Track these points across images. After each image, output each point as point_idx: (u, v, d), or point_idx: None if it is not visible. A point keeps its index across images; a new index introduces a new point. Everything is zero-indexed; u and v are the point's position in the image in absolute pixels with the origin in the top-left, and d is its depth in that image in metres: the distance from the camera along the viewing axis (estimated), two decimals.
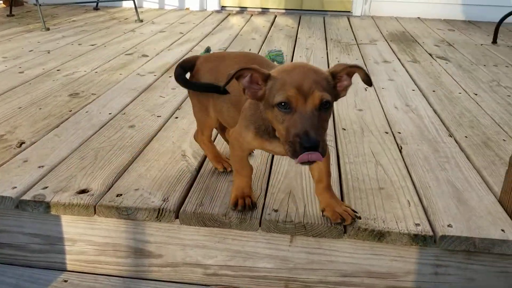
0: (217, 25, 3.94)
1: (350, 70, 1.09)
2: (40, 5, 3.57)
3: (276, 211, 1.27)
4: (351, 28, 3.99)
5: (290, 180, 1.44)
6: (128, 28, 3.75)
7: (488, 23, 4.25)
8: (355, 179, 1.45)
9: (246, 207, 1.26)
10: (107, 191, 1.34)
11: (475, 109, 2.11)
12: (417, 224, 1.23)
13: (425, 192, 1.39)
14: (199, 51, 3.00)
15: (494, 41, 3.55)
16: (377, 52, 3.15)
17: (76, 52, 2.93)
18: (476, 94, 2.32)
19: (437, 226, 1.22)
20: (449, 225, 1.22)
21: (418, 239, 1.19)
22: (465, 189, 1.41)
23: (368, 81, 1.11)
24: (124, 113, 1.93)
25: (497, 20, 3.56)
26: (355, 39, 3.56)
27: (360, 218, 1.24)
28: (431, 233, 1.20)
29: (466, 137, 1.79)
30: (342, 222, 1.21)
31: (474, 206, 1.32)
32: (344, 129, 1.83)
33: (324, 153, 0.99)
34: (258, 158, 1.57)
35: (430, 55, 3.12)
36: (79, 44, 3.14)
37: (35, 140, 1.65)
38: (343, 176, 1.47)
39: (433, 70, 2.74)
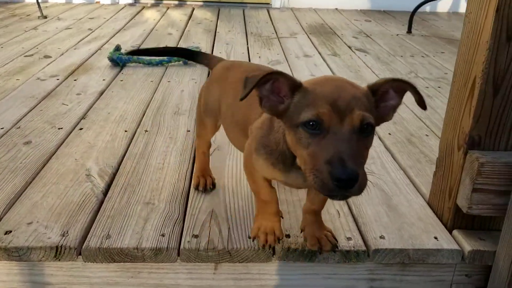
0: (130, 20, 3.68)
1: (397, 85, 0.86)
2: None
3: (196, 237, 1.13)
4: (271, 20, 3.90)
5: (212, 196, 1.30)
6: (30, 25, 3.39)
7: (402, 13, 4.35)
8: (281, 189, 1.34)
9: (271, 243, 1.08)
10: None
11: None
12: (349, 238, 1.15)
13: (354, 199, 1.31)
14: (108, 49, 2.75)
15: (409, 31, 3.62)
16: (298, 46, 3.08)
17: None
18: None
19: (369, 239, 1.14)
20: (381, 237, 1.15)
21: (351, 255, 1.11)
22: (393, 193, 1.35)
23: (421, 102, 0.87)
24: (19, 127, 1.68)
25: (411, 9, 3.64)
26: (276, 32, 3.47)
27: (338, 248, 1.10)
28: (363, 248, 1.11)
29: (389, 134, 1.75)
30: (319, 250, 1.08)
31: (404, 212, 1.26)
32: None
33: (362, 190, 0.77)
34: (176, 173, 1.42)
35: (350, 47, 3.10)
36: None
37: None
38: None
39: (353, 64, 2.71)
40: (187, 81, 2.27)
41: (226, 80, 1.20)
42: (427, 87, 2.33)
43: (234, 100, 1.12)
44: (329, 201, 1.29)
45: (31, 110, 1.84)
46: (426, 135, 1.76)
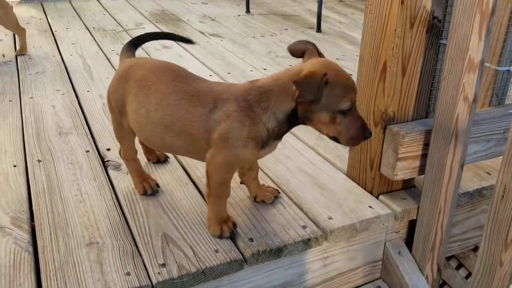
0: None
1: None
2: None
3: (163, 265, 1.08)
4: (107, 11, 3.67)
5: (155, 219, 1.24)
6: None
7: None
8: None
9: (232, 231, 1.17)
10: None
11: None
12: (304, 227, 1.22)
13: (289, 187, 1.39)
14: None
15: (248, 11, 3.78)
16: None
17: None
18: (265, 69, 2.43)
19: (320, 222, 1.24)
20: (329, 217, 1.25)
21: (312, 242, 1.19)
22: (316, 173, 1.47)
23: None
24: None
25: None
26: (120, 24, 3.29)
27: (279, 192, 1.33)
28: (320, 232, 1.20)
29: None
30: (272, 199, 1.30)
31: (334, 189, 1.38)
32: None
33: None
34: (101, 201, 1.30)
35: (202, 33, 3.12)
36: None
37: None
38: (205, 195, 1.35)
39: (215, 50, 2.75)
40: (52, 94, 2.04)
41: (132, 79, 1.19)
42: (291, 65, 2.50)
43: (151, 100, 1.14)
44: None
45: None
46: None
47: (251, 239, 1.17)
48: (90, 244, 1.14)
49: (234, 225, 1.19)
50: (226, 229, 1.16)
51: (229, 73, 2.36)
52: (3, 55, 2.58)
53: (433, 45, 1.23)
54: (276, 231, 1.20)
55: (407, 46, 1.18)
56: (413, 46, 1.19)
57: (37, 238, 1.16)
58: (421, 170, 1.29)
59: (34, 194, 1.33)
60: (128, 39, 2.91)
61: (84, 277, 1.03)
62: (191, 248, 1.13)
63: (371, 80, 1.28)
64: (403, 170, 1.27)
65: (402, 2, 1.13)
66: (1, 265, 1.06)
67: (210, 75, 2.32)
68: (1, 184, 1.37)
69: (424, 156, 1.27)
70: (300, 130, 1.74)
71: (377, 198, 1.36)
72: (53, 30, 3.11)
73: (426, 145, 1.26)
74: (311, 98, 1.00)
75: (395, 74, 1.21)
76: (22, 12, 3.57)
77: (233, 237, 1.17)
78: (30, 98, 2.00)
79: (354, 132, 1.05)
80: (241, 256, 1.12)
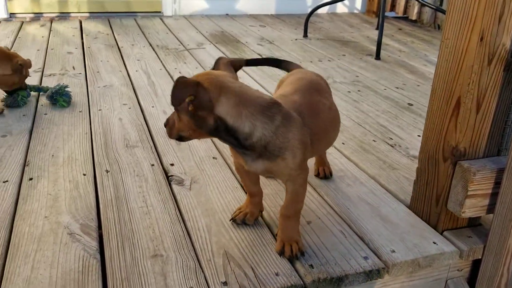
0: (15, 39, 3.30)
1: None
2: None
3: (225, 284, 1.09)
4: (170, 30, 3.81)
5: (217, 236, 1.26)
6: None
7: (289, 16, 4.56)
8: (278, 217, 1.35)
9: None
10: None
11: None
12: (365, 258, 1.21)
13: (350, 216, 1.38)
14: None
15: (305, 35, 3.82)
16: (211, 57, 3.07)
17: None
18: None
19: (383, 255, 1.22)
20: (392, 251, 1.23)
21: (373, 274, 1.17)
22: (378, 204, 1.45)
23: None
24: None
25: (298, 12, 3.84)
26: (182, 44, 3.40)
27: (303, 254, 1.20)
28: (382, 265, 1.18)
29: (343, 143, 1.86)
30: (281, 254, 1.20)
31: (397, 222, 1.36)
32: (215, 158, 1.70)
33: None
34: (165, 215, 1.34)
35: (260, 55, 3.18)
36: None
37: None
38: (265, 217, 1.36)
39: (273, 73, 2.79)
40: (119, 107, 2.13)
41: None
42: (349, 92, 2.50)
43: None
44: (327, 220, 1.34)
45: None
46: (374, 140, 1.90)
47: (312, 266, 1.16)
48: (155, 256, 1.17)
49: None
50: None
51: None
52: (74, 67, 2.72)
53: (509, 82, 1.20)
54: (336, 259, 1.19)
55: (483, 82, 1.17)
56: (489, 83, 1.17)
57: (104, 247, 1.20)
58: (490, 208, 1.25)
59: (103, 203, 1.39)
60: (190, 58, 3.02)
61: None
62: (252, 268, 1.14)
63: (442, 114, 1.26)
64: (472, 208, 1.24)
65: (482, 39, 1.12)
66: (71, 270, 1.11)
67: None
68: (72, 191, 1.43)
69: (494, 195, 1.23)
70: (360, 158, 1.73)
71: (441, 234, 1.32)
72: (119, 46, 3.26)
73: (497, 183, 1.22)
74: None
75: (469, 110, 1.19)
76: (90, 27, 3.77)
77: (291, 261, 1.18)
78: (99, 110, 2.09)
79: None
80: (302, 282, 1.11)
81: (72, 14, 4.14)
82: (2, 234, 1.22)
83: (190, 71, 2.75)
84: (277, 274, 1.13)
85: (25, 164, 1.59)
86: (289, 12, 4.70)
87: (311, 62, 3.06)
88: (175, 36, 3.61)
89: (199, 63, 2.92)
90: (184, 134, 1.11)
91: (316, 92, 1.27)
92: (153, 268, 1.13)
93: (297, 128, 1.09)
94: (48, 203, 1.37)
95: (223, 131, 1.05)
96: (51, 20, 3.95)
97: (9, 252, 1.16)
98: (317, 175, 1.57)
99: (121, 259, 1.15)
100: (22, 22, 3.82)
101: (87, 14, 4.18)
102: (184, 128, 1.09)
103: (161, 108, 2.13)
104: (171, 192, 1.46)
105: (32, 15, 4.00)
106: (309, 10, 3.97)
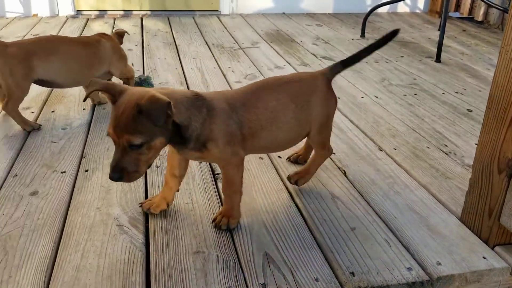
0: (80, 35, 3.47)
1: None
2: None
3: (263, 285, 1.10)
4: (226, 29, 3.86)
5: (258, 236, 1.27)
6: None
7: (347, 15, 4.49)
8: (322, 222, 1.34)
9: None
10: None
11: (384, 114, 2.16)
12: (409, 269, 1.17)
13: (395, 224, 1.34)
14: None
15: (363, 35, 3.74)
16: (265, 57, 3.08)
17: None
18: (377, 97, 2.38)
19: (428, 267, 1.18)
20: (438, 263, 1.19)
21: (416, 286, 1.13)
22: (427, 213, 1.40)
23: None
24: (16, 175, 1.53)
25: (356, 11, 3.76)
26: (237, 42, 3.44)
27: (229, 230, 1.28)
28: (427, 277, 1.14)
29: (395, 149, 1.81)
30: (213, 221, 1.30)
31: (446, 234, 1.31)
32: (280, 157, 1.71)
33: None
34: (209, 212, 1.36)
35: (314, 55, 3.15)
36: None
37: None
38: (308, 219, 1.35)
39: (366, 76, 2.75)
40: None
41: None
42: (405, 95, 2.43)
43: None
44: (371, 228, 1.31)
45: (19, 153, 1.68)
46: (428, 147, 1.84)
47: (353, 273, 1.14)
48: (197, 252, 1.20)
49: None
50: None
51: (339, 98, 2.35)
52: (132, 64, 2.82)
53: None
54: (379, 268, 1.17)
55: None
56: None
57: (150, 240, 1.24)
58: None
59: (150, 197, 1.43)
60: (244, 57, 3.05)
61: (189, 284, 1.09)
62: (291, 272, 1.14)
63: (499, 124, 1.20)
64: None
65: None
66: (117, 261, 1.16)
67: None
68: (123, 185, 1.49)
69: None
70: (412, 165, 1.68)
71: (492, 249, 1.26)
72: (177, 43, 3.34)
73: None
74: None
75: None
76: (150, 25, 3.89)
77: (332, 268, 1.16)
78: None
79: None
80: None
81: (134, 12, 4.29)
82: (56, 223, 1.29)
83: (243, 70, 2.78)
84: (316, 280, 1.12)
85: (82, 156, 1.67)
86: (348, 11, 4.62)
87: (367, 63, 3.00)
88: (231, 35, 3.66)
89: (252, 62, 2.94)
90: (152, 162, 1.13)
91: (266, 90, 1.29)
92: (194, 264, 1.15)
93: (221, 119, 1.17)
94: (100, 194, 1.43)
95: (174, 132, 1.11)
96: (114, 18, 4.12)
97: (62, 240, 1.23)
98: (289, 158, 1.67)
99: (165, 253, 1.19)
100: (88, 19, 4.01)
101: (148, 12, 4.32)
102: (157, 151, 1.11)
103: None
104: (216, 191, 1.48)
105: (97, 13, 4.19)
106: (368, 9, 3.88)
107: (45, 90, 2.29)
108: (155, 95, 1.02)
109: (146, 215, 1.34)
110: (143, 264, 1.15)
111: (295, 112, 1.31)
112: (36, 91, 2.26)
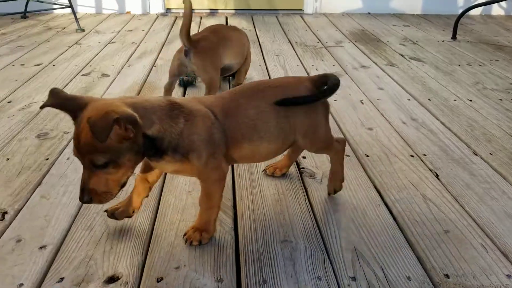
0: (170, 32, 3.63)
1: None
2: None
3: (354, 279, 1.08)
4: (309, 28, 3.85)
5: (346, 232, 1.25)
6: (71, 40, 3.33)
7: (436, 16, 4.31)
8: (414, 223, 1.30)
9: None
10: (142, 275, 1.07)
11: (479, 118, 2.04)
12: (508, 276, 1.10)
13: (492, 230, 1.27)
14: (162, 65, 2.71)
15: (454, 37, 3.57)
16: (349, 56, 3.04)
17: (22, 75, 2.51)
18: (470, 100, 2.26)
19: None
20: None
21: None
22: None
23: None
24: None
25: (446, 12, 3.59)
26: (320, 41, 3.42)
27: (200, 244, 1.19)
28: None
29: (491, 154, 1.71)
30: (187, 240, 1.19)
31: None
32: (368, 155, 1.68)
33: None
34: (295, 204, 1.37)
35: (402, 56, 3.06)
36: (22, 65, 2.71)
37: (19, 207, 1.32)
38: (398, 219, 1.31)
39: (415, 74, 2.67)
40: None
41: None
42: (501, 100, 2.29)
43: None
44: (466, 231, 1.25)
45: None
46: None
47: (447, 276, 1.10)
48: (284, 241, 1.21)
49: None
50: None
51: (429, 99, 2.27)
52: None
53: None
54: (475, 273, 1.11)
55: None
56: None
57: (238, 226, 1.27)
58: None
59: (238, 186, 1.46)
60: (327, 56, 3.03)
61: (278, 271, 1.10)
62: (382, 269, 1.12)
63: None
64: None
65: None
66: (208, 242, 1.19)
67: (408, 99, 2.26)
68: None
69: None
70: (510, 172, 1.58)
71: None
72: (260, 41, 3.39)
73: None
74: None
75: None
76: (235, 23, 3.98)
77: (425, 268, 1.12)
78: None
79: None
80: None
81: (219, 11, 4.41)
82: (152, 203, 1.36)
83: (327, 68, 2.76)
84: (409, 279, 1.09)
85: None
86: (437, 13, 4.44)
87: (459, 65, 2.86)
88: (314, 34, 3.65)
89: (336, 60, 2.92)
90: (124, 180, 1.04)
91: (246, 97, 1.18)
92: (282, 252, 1.16)
93: (202, 128, 1.08)
94: (191, 179, 1.49)
95: (147, 145, 1.02)
96: (201, 16, 4.26)
97: (157, 219, 1.29)
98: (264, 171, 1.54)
99: (253, 239, 1.21)
100: (176, 17, 4.18)
101: (233, 11, 4.42)
102: (128, 169, 1.02)
103: None
104: (302, 184, 1.48)
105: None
106: (460, 11, 3.71)
107: (137, 81, 2.42)
108: (102, 110, 0.91)
109: (234, 203, 1.38)
110: (233, 247, 1.18)
111: (277, 120, 1.19)
112: (128, 82, 2.39)
